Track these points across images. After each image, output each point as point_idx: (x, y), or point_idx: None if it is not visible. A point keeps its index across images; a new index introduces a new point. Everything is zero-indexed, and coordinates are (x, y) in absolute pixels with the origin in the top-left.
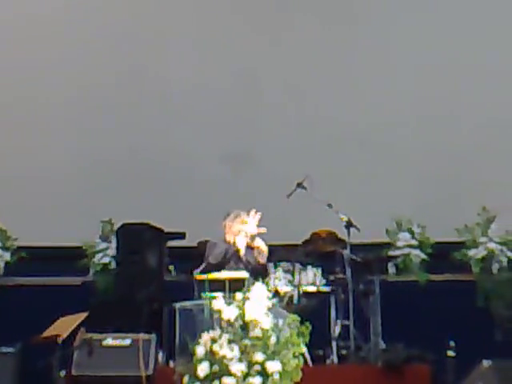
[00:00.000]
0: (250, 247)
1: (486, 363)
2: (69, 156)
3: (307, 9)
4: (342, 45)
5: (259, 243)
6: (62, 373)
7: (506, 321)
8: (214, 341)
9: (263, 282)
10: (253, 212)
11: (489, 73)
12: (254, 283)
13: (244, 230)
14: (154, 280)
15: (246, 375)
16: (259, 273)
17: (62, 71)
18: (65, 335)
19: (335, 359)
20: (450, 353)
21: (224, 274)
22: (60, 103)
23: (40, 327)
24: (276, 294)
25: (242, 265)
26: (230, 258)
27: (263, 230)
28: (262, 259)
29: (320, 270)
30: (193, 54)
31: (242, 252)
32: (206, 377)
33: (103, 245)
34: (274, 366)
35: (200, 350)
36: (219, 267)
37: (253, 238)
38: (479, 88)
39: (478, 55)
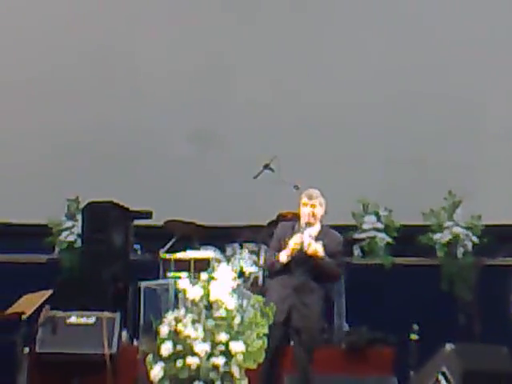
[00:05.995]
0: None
1: (448, 347)
2: (35, 134)
3: None
4: (312, 26)
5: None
6: (26, 350)
7: (469, 305)
8: (178, 320)
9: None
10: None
11: (454, 56)
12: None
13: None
14: (119, 259)
15: (210, 355)
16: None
17: (25, 49)
18: (29, 312)
19: None
20: (414, 336)
21: (189, 254)
22: (25, 82)
23: (4, 304)
24: (241, 274)
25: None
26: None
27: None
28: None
29: None
30: (161, 33)
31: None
32: (170, 356)
33: (69, 223)
34: (237, 347)
35: (164, 330)
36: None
37: None
38: (445, 71)
39: (444, 38)
